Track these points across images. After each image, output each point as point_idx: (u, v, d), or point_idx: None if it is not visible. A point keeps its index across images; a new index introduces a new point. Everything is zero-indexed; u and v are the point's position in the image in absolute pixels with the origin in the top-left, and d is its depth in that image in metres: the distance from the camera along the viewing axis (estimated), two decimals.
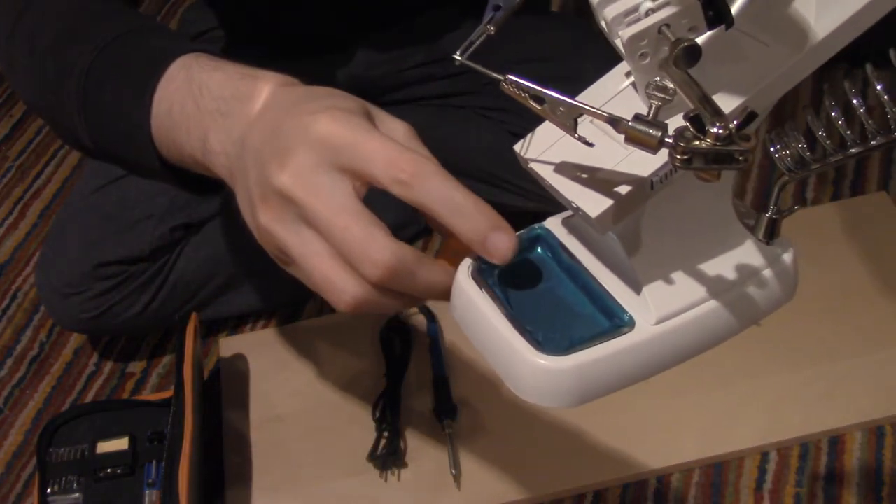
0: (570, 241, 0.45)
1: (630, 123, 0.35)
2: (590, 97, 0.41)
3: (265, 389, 1.02)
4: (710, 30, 0.37)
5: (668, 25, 0.36)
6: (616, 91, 0.41)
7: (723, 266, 0.41)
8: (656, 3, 0.36)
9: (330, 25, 1.05)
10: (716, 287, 0.40)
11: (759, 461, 0.93)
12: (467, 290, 0.43)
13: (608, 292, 0.42)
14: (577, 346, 0.39)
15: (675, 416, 0.94)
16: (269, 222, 0.49)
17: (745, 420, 0.93)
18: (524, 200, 1.06)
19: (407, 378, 1.01)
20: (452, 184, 0.46)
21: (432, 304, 1.06)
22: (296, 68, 1.19)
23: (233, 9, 1.09)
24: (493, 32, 0.45)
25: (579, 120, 0.39)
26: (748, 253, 0.41)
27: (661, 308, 0.40)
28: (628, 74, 0.42)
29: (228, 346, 1.07)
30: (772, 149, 0.40)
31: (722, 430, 0.93)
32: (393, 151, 0.46)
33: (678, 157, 0.33)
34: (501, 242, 0.44)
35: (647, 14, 0.36)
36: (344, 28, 1.05)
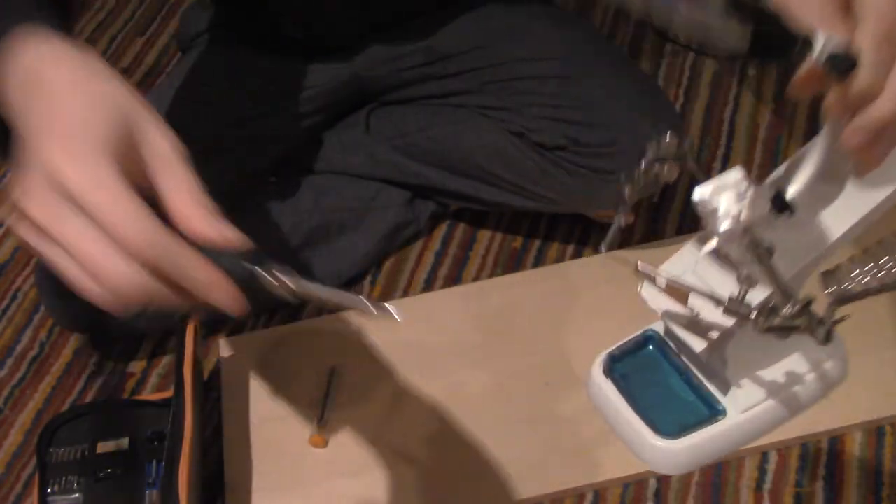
0: (671, 343, 0.59)
1: (727, 306, 0.51)
2: (677, 263, 0.57)
3: (265, 389, 1.02)
4: (777, 218, 0.52)
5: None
6: (696, 259, 0.55)
7: (787, 366, 0.58)
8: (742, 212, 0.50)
9: (331, 26, 1.05)
10: (784, 382, 0.57)
11: (759, 461, 0.93)
12: (598, 381, 0.60)
13: (705, 385, 0.57)
14: (686, 431, 0.57)
15: None
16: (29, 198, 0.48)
17: None
18: (523, 200, 1.06)
19: None
20: (182, 251, 0.50)
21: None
22: (297, 68, 1.19)
23: (233, 9, 1.09)
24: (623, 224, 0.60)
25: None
26: (807, 354, 0.57)
27: (746, 401, 0.59)
28: (701, 243, 0.55)
29: (228, 346, 1.07)
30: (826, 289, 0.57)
31: None
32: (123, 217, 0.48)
33: (759, 327, 0.51)
34: (224, 299, 0.51)
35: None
36: (344, 28, 1.05)
